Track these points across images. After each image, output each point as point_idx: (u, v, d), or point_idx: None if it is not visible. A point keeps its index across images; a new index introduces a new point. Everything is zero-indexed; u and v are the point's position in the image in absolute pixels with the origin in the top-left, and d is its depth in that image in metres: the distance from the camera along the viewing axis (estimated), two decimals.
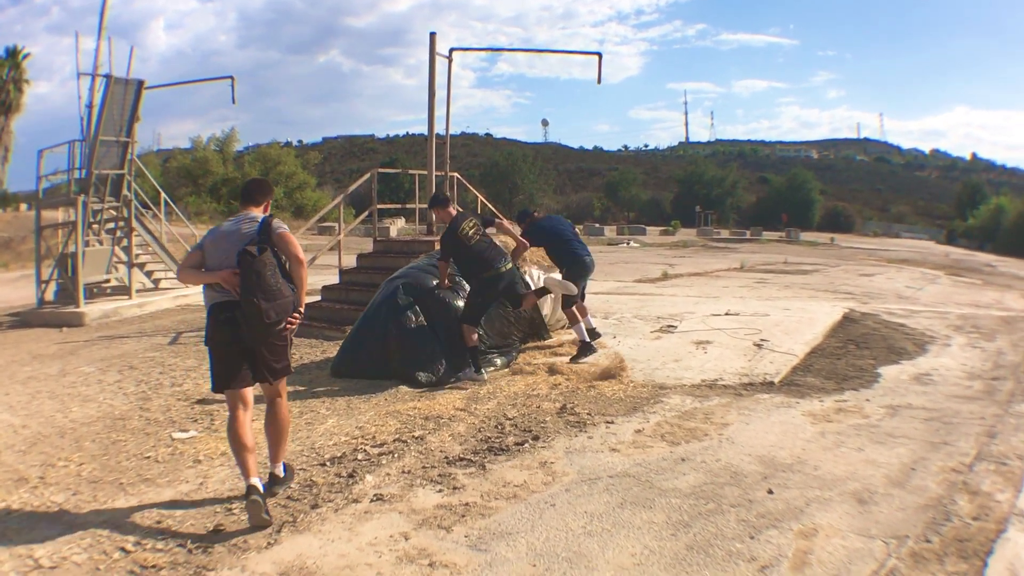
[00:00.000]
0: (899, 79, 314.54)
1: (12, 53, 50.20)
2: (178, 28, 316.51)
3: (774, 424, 8.28)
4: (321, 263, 19.86)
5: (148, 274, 22.90)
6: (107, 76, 19.03)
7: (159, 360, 12.89)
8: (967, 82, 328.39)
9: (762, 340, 12.49)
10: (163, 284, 23.08)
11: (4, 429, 8.98)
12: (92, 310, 18.29)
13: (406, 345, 10.86)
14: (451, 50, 17.51)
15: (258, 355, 6.45)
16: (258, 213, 6.65)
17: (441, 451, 7.64)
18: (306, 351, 13.13)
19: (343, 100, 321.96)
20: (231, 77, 21.44)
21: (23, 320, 18.47)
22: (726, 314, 15.33)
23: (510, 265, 10.88)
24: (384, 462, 7.35)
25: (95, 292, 20.36)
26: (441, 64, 17.12)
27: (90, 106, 19.20)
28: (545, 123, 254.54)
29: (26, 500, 6.64)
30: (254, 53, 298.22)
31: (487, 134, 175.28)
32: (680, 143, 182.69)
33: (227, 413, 6.55)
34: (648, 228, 74.82)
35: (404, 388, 10.35)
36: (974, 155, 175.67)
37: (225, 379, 6.48)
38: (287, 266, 6.44)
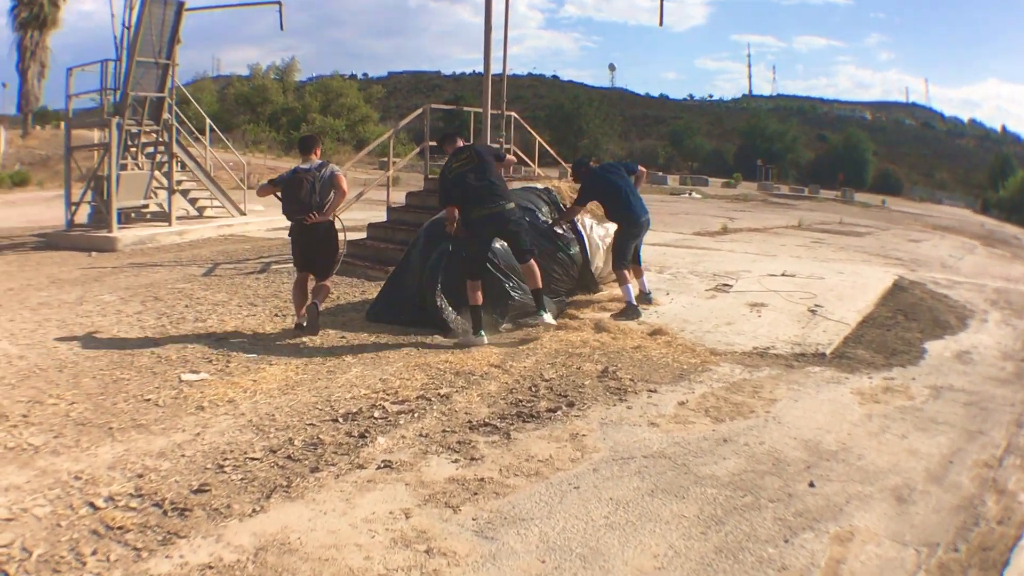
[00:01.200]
0: (941, 46, 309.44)
1: None
2: None
3: (823, 403, 7.51)
4: (373, 199, 19.27)
5: (192, 201, 22.48)
6: None
7: (188, 292, 12.40)
8: (998, 55, 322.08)
9: (816, 306, 11.76)
10: (208, 212, 22.62)
11: None
12: (126, 235, 17.89)
13: (442, 290, 10.13)
14: None
15: (314, 256, 10.06)
16: (315, 158, 10.09)
17: (466, 413, 6.94)
18: (345, 291, 12.59)
19: (410, 35, 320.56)
20: (279, 2, 20.78)
21: (49, 242, 18.08)
22: (782, 275, 14.56)
23: (509, 205, 9.74)
24: (402, 422, 6.68)
25: (133, 217, 20.06)
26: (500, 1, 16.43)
27: (126, 26, 18.54)
28: (612, 68, 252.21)
29: (0, 439, 6.13)
30: None
31: (554, 76, 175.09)
32: (744, 95, 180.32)
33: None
34: (711, 179, 73.92)
35: (439, 338, 9.72)
36: (1003, 128, 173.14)
37: (297, 264, 10.29)
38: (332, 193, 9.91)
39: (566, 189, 12.67)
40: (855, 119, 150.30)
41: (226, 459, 5.80)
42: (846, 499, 5.40)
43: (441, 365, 8.39)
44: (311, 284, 10.14)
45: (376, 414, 6.83)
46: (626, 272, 11.14)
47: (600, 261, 12.36)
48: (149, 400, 7.17)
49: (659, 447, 6.22)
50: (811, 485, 5.59)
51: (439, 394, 7.41)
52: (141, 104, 19.19)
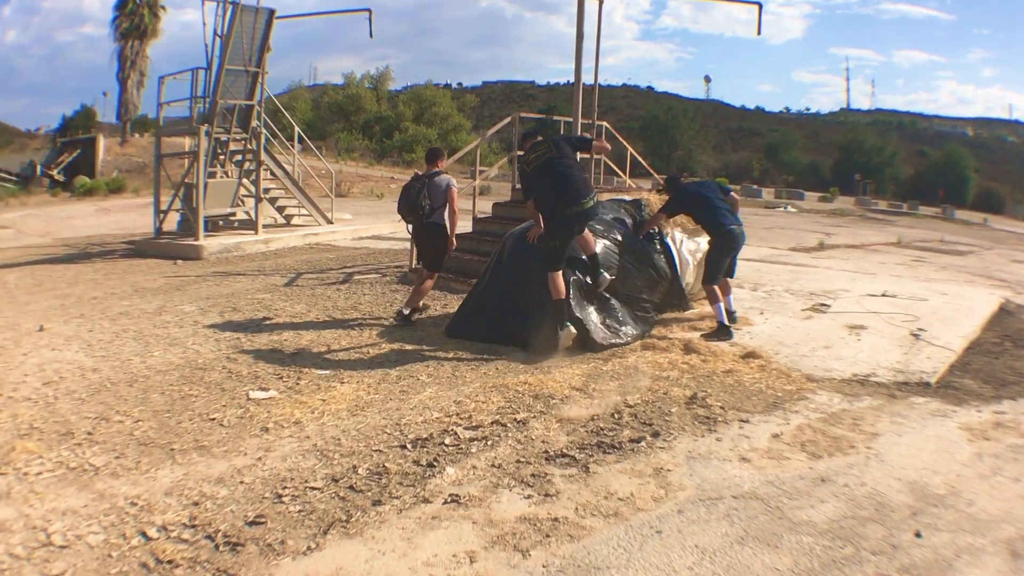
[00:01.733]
0: None
1: None
2: None
3: (928, 439, 6.89)
4: (459, 207, 18.95)
5: (280, 210, 22.45)
6: (234, 3, 18.45)
7: (267, 303, 12.21)
8: None
9: (919, 329, 11.12)
10: (295, 221, 22.59)
11: (72, 371, 8.45)
12: (212, 243, 17.90)
13: (525, 306, 9.72)
14: None
15: (424, 250, 11.54)
16: (436, 168, 11.29)
17: (543, 442, 6.47)
18: (426, 302, 12.16)
19: (504, 45, 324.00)
20: (368, 10, 20.80)
21: (138, 249, 18.28)
22: (883, 295, 13.90)
23: (591, 202, 9.37)
24: (474, 450, 6.26)
25: (221, 225, 20.15)
26: (593, 8, 16.09)
27: (218, 34, 18.54)
28: (708, 79, 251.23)
29: (64, 458, 6.04)
30: None
31: (648, 87, 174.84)
32: (841, 109, 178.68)
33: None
34: (807, 193, 72.60)
35: (520, 357, 9.25)
36: None
37: (417, 258, 12.27)
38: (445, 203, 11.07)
39: (656, 201, 12.19)
40: (956, 135, 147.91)
41: (285, 488, 5.49)
42: (956, 552, 4.86)
43: (519, 387, 7.92)
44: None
45: (447, 441, 6.42)
46: (717, 289, 10.67)
47: (691, 277, 11.85)
48: (214, 419, 6.96)
49: (751, 486, 5.70)
50: (917, 535, 5.03)
51: (515, 419, 6.95)
52: (231, 112, 19.14)
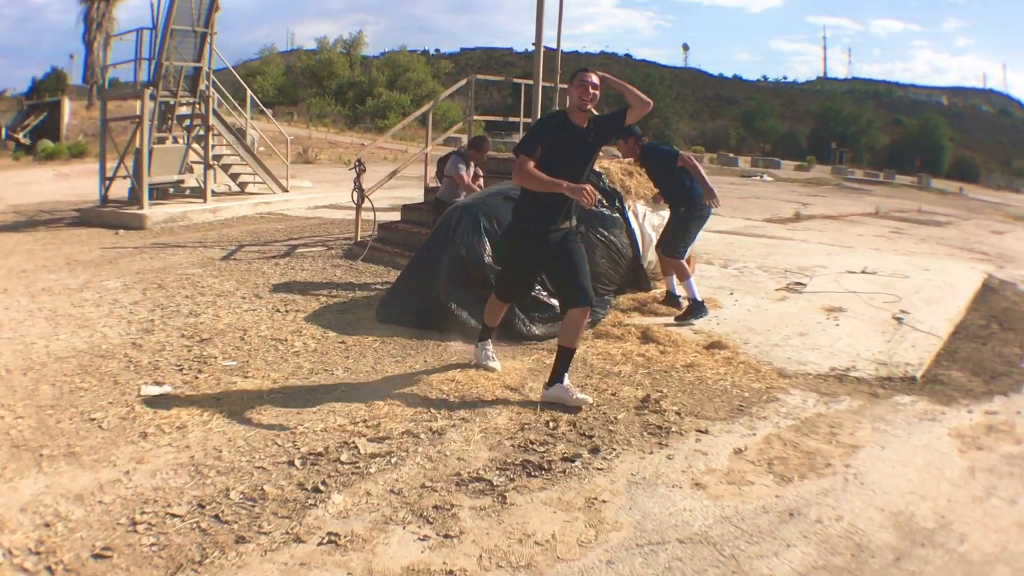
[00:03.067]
0: (1020, 32, 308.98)
1: None
2: None
3: (915, 451, 5.95)
4: (411, 175, 18.02)
5: (234, 177, 21.61)
6: None
7: (195, 280, 11.33)
8: None
9: (902, 312, 10.37)
10: (250, 188, 21.85)
11: None
12: (156, 212, 17.08)
13: (461, 287, 8.90)
14: None
15: None
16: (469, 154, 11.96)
17: (459, 459, 5.49)
18: (367, 279, 11.46)
19: (483, 12, 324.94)
20: None
21: (83, 218, 17.74)
22: (862, 272, 13.15)
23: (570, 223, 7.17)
24: (373, 470, 5.27)
25: (171, 193, 19.29)
26: None
27: None
28: (686, 48, 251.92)
29: None
30: None
31: (627, 55, 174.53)
32: (818, 78, 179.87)
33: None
34: (783, 162, 72.14)
35: (455, 346, 8.31)
36: None
37: None
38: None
39: (616, 171, 11.28)
40: (931, 104, 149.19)
41: (144, 512, 4.61)
42: None
43: (444, 385, 6.97)
44: None
45: (343, 456, 5.44)
46: (688, 263, 9.94)
47: (653, 255, 10.95)
48: (94, 420, 6.05)
49: (702, 525, 4.67)
50: None
51: (431, 429, 5.98)
52: (179, 74, 18.17)
